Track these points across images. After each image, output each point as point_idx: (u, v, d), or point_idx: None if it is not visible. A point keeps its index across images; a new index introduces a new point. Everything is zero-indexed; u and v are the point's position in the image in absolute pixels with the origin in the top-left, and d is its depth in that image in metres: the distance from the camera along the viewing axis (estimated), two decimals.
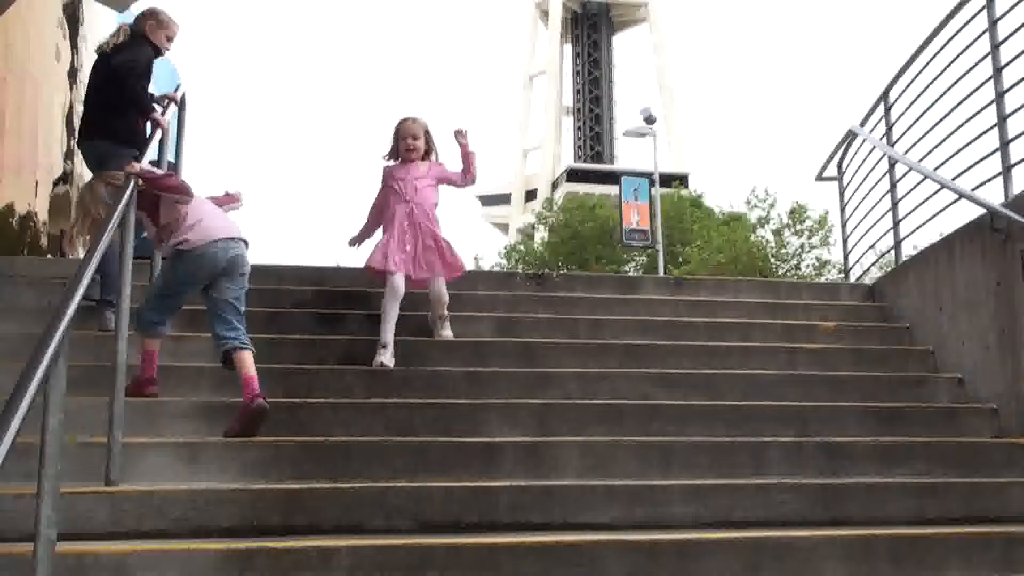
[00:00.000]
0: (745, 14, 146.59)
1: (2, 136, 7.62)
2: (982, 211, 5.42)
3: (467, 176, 5.86)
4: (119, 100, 5.56)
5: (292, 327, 5.55)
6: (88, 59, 10.77)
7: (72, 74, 10.17)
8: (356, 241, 6.00)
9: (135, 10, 7.90)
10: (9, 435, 2.01)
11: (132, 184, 4.19)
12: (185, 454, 3.96)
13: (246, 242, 4.72)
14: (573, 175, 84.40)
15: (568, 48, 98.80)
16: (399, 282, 5.40)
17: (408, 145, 5.78)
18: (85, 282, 2.87)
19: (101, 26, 11.18)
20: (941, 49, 6.23)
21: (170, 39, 5.91)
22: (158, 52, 5.85)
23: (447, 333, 5.58)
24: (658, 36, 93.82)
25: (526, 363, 5.41)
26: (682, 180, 68.38)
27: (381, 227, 5.79)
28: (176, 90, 6.31)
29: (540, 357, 5.49)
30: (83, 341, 4.76)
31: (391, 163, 5.88)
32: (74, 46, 10.26)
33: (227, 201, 4.94)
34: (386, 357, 5.19)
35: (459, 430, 4.52)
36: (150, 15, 5.86)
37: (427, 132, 5.85)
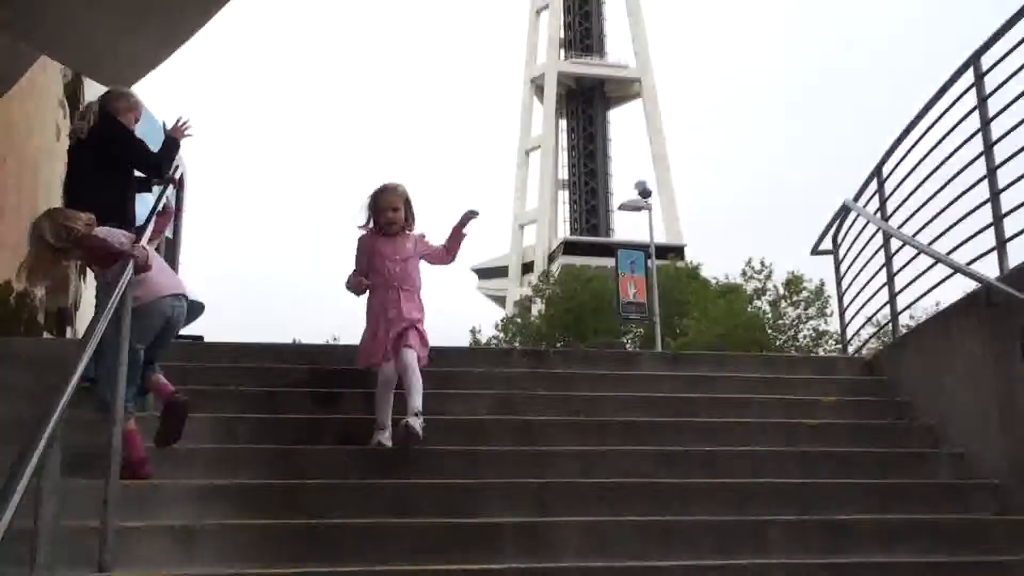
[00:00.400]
0: (740, 86, 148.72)
1: (1, 213, 7.67)
2: (978, 285, 5.44)
3: (449, 257, 5.59)
4: (117, 173, 5.79)
5: (288, 406, 5.52)
6: None
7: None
8: (358, 290, 5.45)
9: (140, 89, 8.04)
10: (2, 527, 1.99)
11: (129, 269, 4.19)
12: (181, 538, 3.91)
13: (187, 298, 4.80)
14: (569, 248, 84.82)
15: (563, 123, 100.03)
16: (389, 371, 5.15)
17: (389, 218, 5.41)
18: (80, 371, 2.86)
19: None
20: (932, 125, 6.31)
21: (136, 120, 6.12)
22: None
23: (408, 422, 4.82)
24: (652, 111, 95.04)
25: (525, 441, 5.37)
26: (678, 252, 68.84)
27: (365, 311, 5.42)
28: (175, 171, 6.37)
29: (539, 435, 5.45)
30: (77, 421, 4.72)
31: (368, 233, 5.49)
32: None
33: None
34: (384, 436, 5.08)
35: (458, 511, 4.47)
36: (121, 96, 6.07)
37: (407, 201, 5.50)
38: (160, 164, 6.03)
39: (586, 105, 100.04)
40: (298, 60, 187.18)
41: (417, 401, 4.93)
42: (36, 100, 9.04)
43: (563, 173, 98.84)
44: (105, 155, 5.80)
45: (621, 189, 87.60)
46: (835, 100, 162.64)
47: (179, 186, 6.41)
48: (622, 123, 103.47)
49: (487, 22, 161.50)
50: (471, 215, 5.55)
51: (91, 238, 4.60)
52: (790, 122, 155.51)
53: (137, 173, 6.10)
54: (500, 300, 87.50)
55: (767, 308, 45.63)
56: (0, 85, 7.94)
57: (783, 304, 45.48)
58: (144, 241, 4.67)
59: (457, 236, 5.55)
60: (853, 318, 8.08)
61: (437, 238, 5.60)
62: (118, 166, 5.86)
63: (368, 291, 5.40)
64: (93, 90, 10.44)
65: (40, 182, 8.82)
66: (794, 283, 44.73)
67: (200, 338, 7.87)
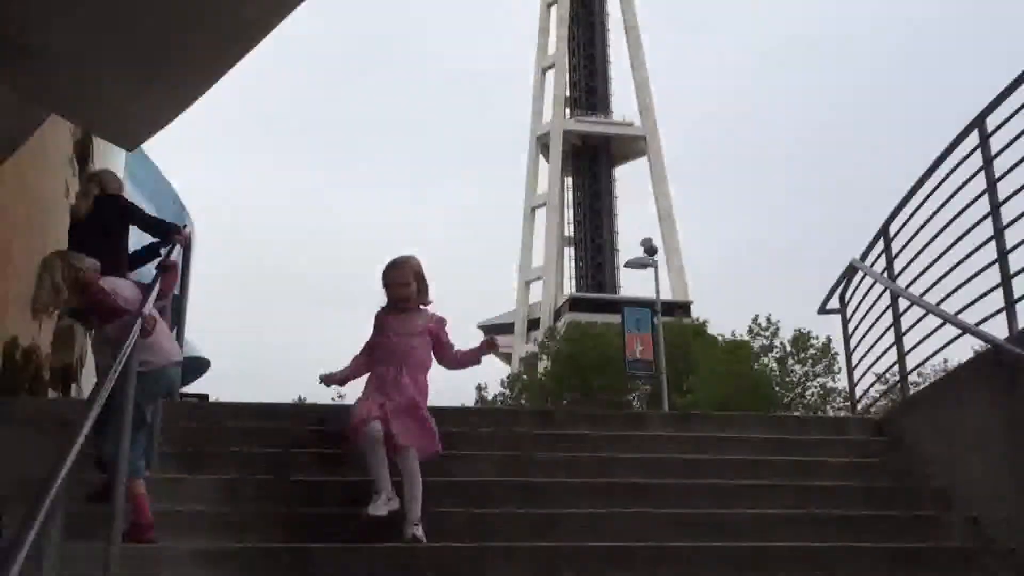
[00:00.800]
0: (747, 143, 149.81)
1: (8, 271, 7.68)
2: (987, 346, 5.41)
3: (454, 365, 5.39)
4: (118, 237, 6.34)
5: (294, 468, 5.47)
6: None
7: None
8: (330, 381, 5.43)
9: (149, 148, 8.14)
10: None
11: (136, 332, 4.18)
12: None
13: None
14: (576, 304, 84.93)
15: (569, 180, 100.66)
16: (375, 427, 4.83)
17: (399, 294, 5.26)
18: (83, 435, 2.84)
19: (110, 164, 11.42)
20: (939, 185, 6.32)
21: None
22: None
23: (414, 533, 4.67)
24: (657, 169, 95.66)
25: (532, 504, 5.31)
26: (684, 308, 68.87)
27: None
28: (184, 229, 6.43)
29: (546, 498, 5.39)
30: (82, 482, 4.69)
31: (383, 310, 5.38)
32: None
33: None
34: (378, 504, 4.71)
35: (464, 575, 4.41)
36: (116, 178, 6.96)
37: (418, 273, 5.31)
38: (167, 232, 6.51)
39: (592, 162, 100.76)
40: (305, 112, 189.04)
41: (417, 510, 4.73)
42: (46, 158, 9.11)
43: (569, 230, 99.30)
44: (108, 226, 6.36)
45: (627, 245, 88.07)
46: (841, 155, 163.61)
47: (187, 245, 6.47)
48: (628, 179, 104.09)
49: (493, 79, 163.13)
50: (493, 348, 5.55)
51: (95, 285, 4.68)
52: (795, 177, 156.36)
53: (147, 239, 6.63)
54: (506, 357, 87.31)
55: (774, 365, 45.50)
56: (10, 143, 8.00)
57: (790, 361, 45.36)
58: (150, 302, 4.65)
59: (472, 358, 5.43)
60: (862, 377, 8.03)
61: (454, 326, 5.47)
62: (119, 232, 6.45)
63: (374, 366, 5.21)
64: (102, 148, 10.54)
65: (48, 241, 8.85)
66: (801, 340, 44.66)
67: (205, 397, 7.85)
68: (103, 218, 6.42)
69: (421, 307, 5.34)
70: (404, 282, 5.25)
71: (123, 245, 6.45)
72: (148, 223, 6.56)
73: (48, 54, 6.73)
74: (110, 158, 11.29)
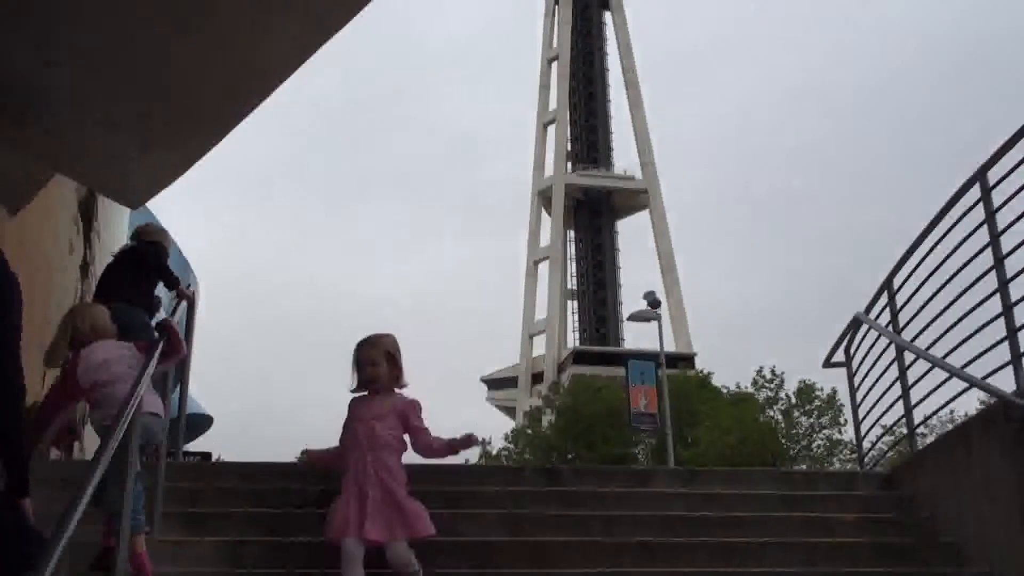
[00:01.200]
0: (750, 194, 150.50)
1: None
2: (995, 399, 5.37)
3: (429, 454, 4.93)
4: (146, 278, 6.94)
5: (298, 529, 5.40)
6: (100, 253, 10.99)
7: (84, 268, 10.34)
8: (312, 461, 5.18)
9: (153, 205, 8.20)
10: None
11: (139, 393, 4.16)
12: None
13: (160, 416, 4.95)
14: (579, 357, 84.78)
15: (572, 233, 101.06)
16: (350, 547, 4.49)
17: (367, 374, 4.88)
18: (86, 499, 2.81)
19: (114, 222, 11.46)
20: (942, 238, 6.32)
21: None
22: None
23: None
24: (659, 221, 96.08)
25: (537, 564, 5.24)
26: (688, 360, 68.72)
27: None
28: (188, 287, 6.46)
29: (552, 558, 5.32)
30: (82, 542, 4.63)
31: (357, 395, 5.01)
32: (87, 241, 10.48)
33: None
34: None
35: None
36: (162, 233, 7.41)
37: (389, 353, 4.92)
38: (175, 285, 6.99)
39: (594, 216, 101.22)
40: (307, 166, 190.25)
41: None
42: (50, 216, 9.15)
43: (572, 283, 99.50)
44: (142, 265, 7.02)
45: (630, 297, 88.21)
46: (844, 205, 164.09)
47: (191, 303, 6.53)
48: (630, 232, 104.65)
49: (494, 134, 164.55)
50: (473, 443, 5.05)
51: (76, 355, 4.75)
52: (798, 228, 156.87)
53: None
54: (510, 411, 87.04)
55: (779, 417, 45.30)
56: (15, 201, 8.05)
57: (796, 413, 45.16)
58: (146, 378, 4.59)
59: (448, 451, 4.94)
60: (869, 431, 7.97)
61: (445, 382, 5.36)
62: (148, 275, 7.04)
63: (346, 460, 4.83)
64: (106, 206, 10.59)
65: (51, 299, 8.86)
66: (806, 392, 44.51)
67: (207, 455, 7.81)
68: (134, 259, 7.08)
69: (395, 390, 4.95)
70: (373, 362, 4.87)
71: (146, 288, 6.93)
72: (160, 271, 7.00)
73: (55, 114, 6.80)
74: (114, 216, 11.34)
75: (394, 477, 4.68)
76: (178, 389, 7.09)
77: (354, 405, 4.94)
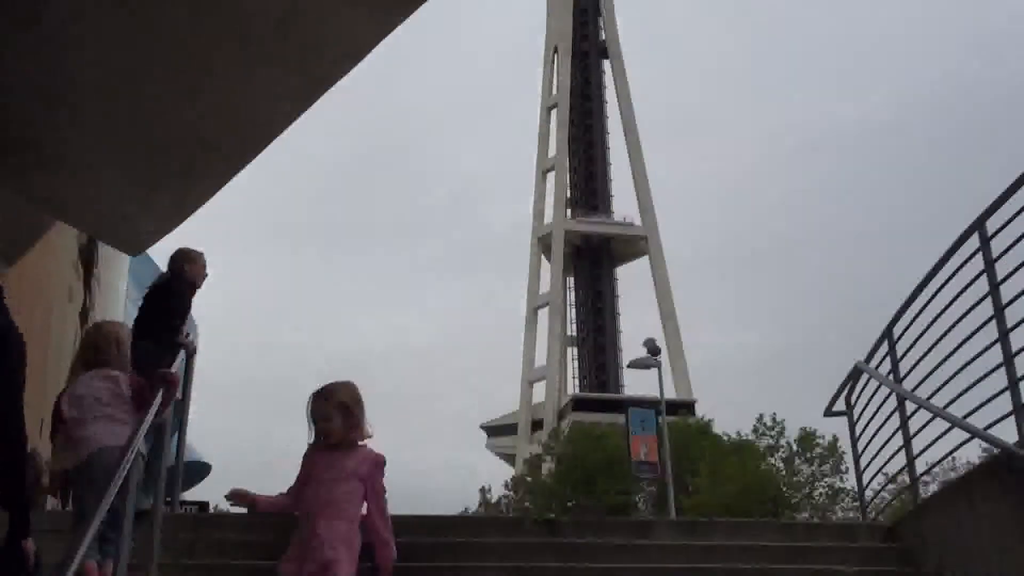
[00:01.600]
0: (748, 242, 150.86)
1: None
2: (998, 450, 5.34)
3: (371, 526, 4.38)
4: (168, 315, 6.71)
5: None
6: (100, 300, 10.99)
7: (83, 314, 10.34)
8: (237, 500, 4.52)
9: (153, 252, 8.21)
10: None
11: (135, 446, 4.13)
12: None
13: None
14: (579, 404, 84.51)
15: (571, 280, 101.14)
16: None
17: (320, 429, 4.43)
18: (82, 551, 2.78)
19: (114, 268, 11.48)
20: (941, 287, 6.32)
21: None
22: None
23: None
24: (658, 268, 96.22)
25: None
26: (689, 407, 68.44)
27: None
28: (187, 336, 6.45)
29: None
30: None
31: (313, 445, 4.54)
32: (87, 287, 10.49)
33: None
34: None
35: None
36: (186, 256, 7.13)
37: (344, 404, 4.44)
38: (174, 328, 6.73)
39: (593, 262, 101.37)
40: (305, 215, 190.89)
41: None
42: (51, 263, 9.17)
43: (572, 329, 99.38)
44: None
45: (630, 343, 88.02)
46: (845, 253, 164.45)
47: (191, 352, 6.54)
48: (630, 278, 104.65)
49: (494, 182, 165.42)
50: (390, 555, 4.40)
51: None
52: (798, 274, 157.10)
53: None
54: (510, 458, 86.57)
55: (780, 465, 45.02)
56: (17, 248, 8.07)
57: (797, 461, 44.89)
58: (141, 433, 4.55)
59: (381, 540, 4.40)
60: (871, 481, 7.91)
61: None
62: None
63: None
64: (107, 253, 10.61)
65: (51, 343, 8.85)
66: (807, 439, 44.27)
67: (205, 505, 7.74)
68: (159, 289, 6.98)
69: (359, 443, 4.48)
70: (325, 416, 4.41)
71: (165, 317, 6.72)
72: (171, 311, 6.77)
73: (58, 163, 6.83)
74: (115, 263, 11.36)
75: (345, 544, 4.21)
76: (175, 436, 7.05)
77: (312, 459, 4.44)
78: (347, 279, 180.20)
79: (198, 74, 5.78)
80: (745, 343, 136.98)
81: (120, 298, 11.87)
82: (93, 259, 10.39)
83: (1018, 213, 5.46)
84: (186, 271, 7.05)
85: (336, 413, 4.39)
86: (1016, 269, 5.37)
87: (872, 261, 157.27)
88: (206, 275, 7.24)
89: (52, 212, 7.95)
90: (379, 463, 4.45)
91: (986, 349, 5.66)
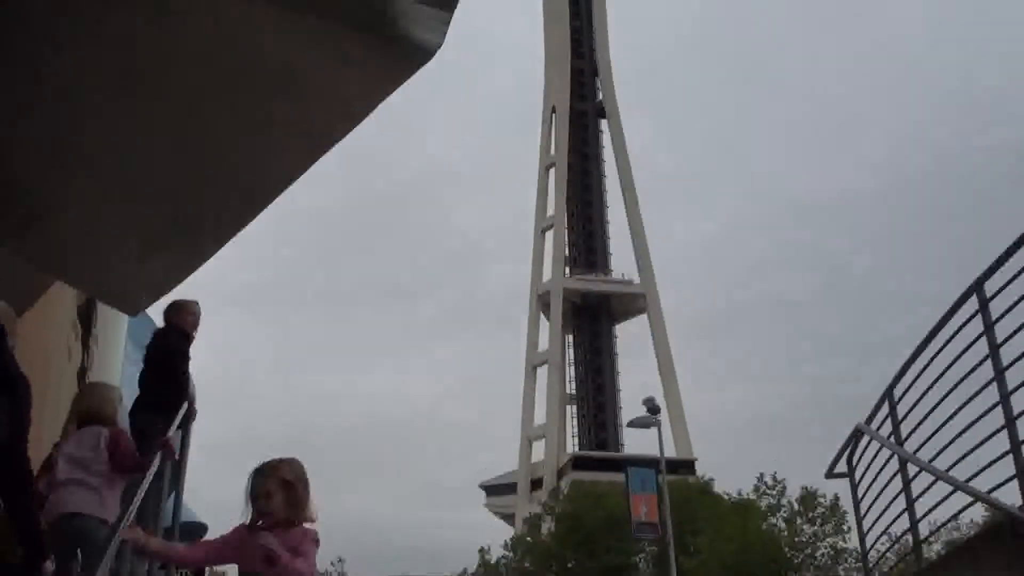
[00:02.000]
0: (748, 299, 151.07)
1: None
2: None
3: None
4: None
5: None
6: (98, 359, 10.95)
7: (81, 373, 10.30)
8: (138, 546, 4.24)
9: (152, 311, 8.23)
10: None
11: (126, 521, 4.10)
12: None
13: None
14: (579, 463, 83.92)
15: (570, 337, 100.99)
16: None
17: (258, 507, 4.06)
18: None
19: (112, 328, 11.46)
20: (941, 349, 6.30)
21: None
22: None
23: None
24: (657, 325, 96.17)
25: None
26: (688, 466, 67.97)
27: None
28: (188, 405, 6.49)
29: None
30: None
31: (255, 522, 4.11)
32: (85, 347, 10.47)
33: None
34: None
35: None
36: (178, 310, 7.15)
37: (286, 481, 4.08)
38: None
39: (592, 320, 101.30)
40: (305, 278, 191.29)
41: None
42: (49, 323, 9.15)
43: (571, 387, 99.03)
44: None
45: (630, 400, 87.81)
46: (836, 307, 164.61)
47: (189, 417, 6.56)
48: (629, 335, 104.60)
49: (493, 240, 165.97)
50: None
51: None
52: (799, 331, 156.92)
53: None
54: (509, 518, 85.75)
55: (782, 525, 44.59)
56: (16, 308, 8.04)
57: (799, 520, 44.48)
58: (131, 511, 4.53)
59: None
60: (875, 543, 7.83)
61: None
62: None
63: None
64: (106, 312, 10.59)
65: (47, 403, 8.80)
66: (808, 499, 43.91)
67: (201, 572, 7.63)
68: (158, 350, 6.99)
69: (298, 524, 4.10)
70: (266, 493, 4.05)
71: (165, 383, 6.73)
72: (173, 370, 6.83)
73: (58, 222, 6.85)
74: (113, 322, 11.34)
75: None
76: (171, 496, 7.00)
77: (246, 539, 4.05)
78: (345, 338, 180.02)
79: (199, 135, 5.82)
80: (745, 399, 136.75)
81: (118, 358, 11.82)
82: (92, 319, 10.36)
83: (1017, 275, 5.47)
84: (180, 322, 7.14)
85: (278, 490, 4.04)
86: (1015, 332, 5.36)
87: (874, 318, 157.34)
88: (197, 323, 7.31)
89: (51, 272, 7.95)
90: (313, 540, 4.10)
91: (987, 412, 5.64)
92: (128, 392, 7.12)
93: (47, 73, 5.41)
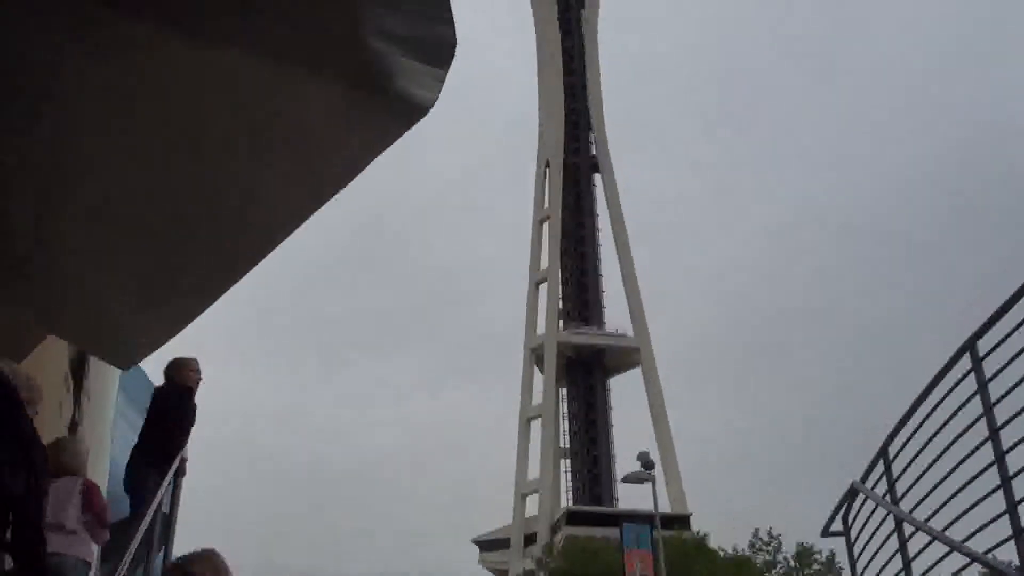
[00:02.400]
0: (742, 346, 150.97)
1: None
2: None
3: None
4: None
5: None
6: (89, 413, 10.88)
7: (72, 427, 10.23)
8: None
9: (146, 365, 8.21)
10: None
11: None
12: None
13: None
14: (573, 518, 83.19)
15: (564, 391, 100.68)
16: None
17: None
18: None
19: (105, 382, 11.40)
20: (936, 406, 6.29)
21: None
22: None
23: None
24: (652, 381, 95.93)
25: None
26: (683, 521, 67.38)
27: None
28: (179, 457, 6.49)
29: None
30: None
31: None
32: (76, 401, 10.41)
33: None
34: None
35: None
36: (178, 368, 7.42)
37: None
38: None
39: (586, 373, 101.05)
40: (290, 325, 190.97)
41: None
42: (41, 376, 9.10)
43: (565, 441, 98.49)
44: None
45: (624, 455, 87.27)
46: (836, 357, 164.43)
47: (179, 472, 6.58)
48: (623, 388, 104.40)
49: (486, 293, 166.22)
50: None
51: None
52: (795, 381, 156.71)
53: None
54: (503, 573, 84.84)
55: None
56: (13, 359, 8.02)
57: None
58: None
59: None
60: None
61: None
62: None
63: None
64: (97, 366, 10.55)
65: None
66: (805, 554, 43.64)
67: None
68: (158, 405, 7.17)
69: None
70: None
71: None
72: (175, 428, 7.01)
73: (51, 275, 6.85)
74: (105, 375, 11.29)
75: None
76: (162, 551, 6.95)
77: None
78: (330, 387, 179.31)
79: (194, 191, 5.84)
80: (742, 448, 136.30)
81: (110, 412, 11.75)
82: (84, 372, 10.32)
83: (1011, 333, 5.48)
84: (181, 380, 7.37)
85: None
86: (1010, 390, 5.36)
87: (868, 361, 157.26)
88: (199, 379, 7.51)
89: (44, 325, 7.93)
90: None
91: (983, 471, 5.61)
92: (120, 446, 7.14)
93: (45, 125, 5.45)
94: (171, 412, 7.02)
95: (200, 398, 7.42)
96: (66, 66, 4.58)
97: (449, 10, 3.49)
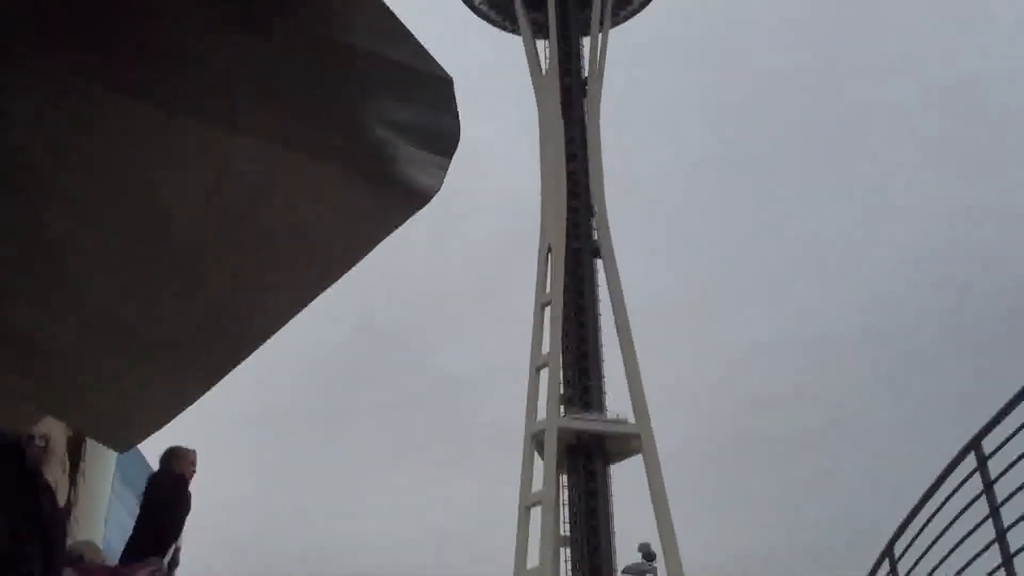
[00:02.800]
0: (743, 438, 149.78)
1: None
2: None
3: None
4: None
5: None
6: (85, 495, 10.77)
7: (67, 510, 10.11)
8: None
9: (144, 447, 8.17)
10: None
11: None
12: None
13: None
14: None
15: (564, 478, 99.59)
16: None
17: None
18: None
19: (101, 464, 11.32)
20: (941, 506, 6.23)
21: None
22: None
23: None
24: (653, 470, 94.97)
25: None
26: None
27: None
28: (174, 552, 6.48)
29: None
30: None
31: None
32: (72, 483, 10.32)
33: None
34: None
35: None
36: (175, 458, 7.44)
37: None
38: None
39: (587, 460, 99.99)
40: (291, 410, 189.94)
41: None
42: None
43: (565, 529, 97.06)
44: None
45: (624, 543, 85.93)
46: (836, 451, 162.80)
47: (174, 563, 6.55)
48: (624, 476, 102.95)
49: (485, 378, 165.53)
50: None
51: None
52: (797, 471, 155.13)
53: None
54: None
55: None
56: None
57: None
58: None
59: None
60: None
61: None
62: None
63: None
64: (93, 448, 10.48)
65: None
66: None
67: None
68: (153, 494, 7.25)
69: None
70: None
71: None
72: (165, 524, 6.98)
73: (48, 358, 6.83)
74: (102, 457, 11.22)
75: None
76: None
77: None
78: (327, 473, 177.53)
79: (194, 280, 5.85)
80: (744, 540, 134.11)
81: (105, 493, 11.64)
82: (80, 454, 10.25)
83: (1015, 433, 5.44)
84: (178, 470, 7.35)
85: None
86: (1015, 492, 5.30)
87: (873, 458, 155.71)
88: (195, 471, 7.42)
89: (41, 406, 7.89)
90: None
91: (992, 574, 5.52)
92: (114, 528, 7.11)
93: (47, 220, 5.48)
94: (165, 501, 7.01)
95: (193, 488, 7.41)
96: (69, 163, 4.63)
97: (454, 103, 3.55)
